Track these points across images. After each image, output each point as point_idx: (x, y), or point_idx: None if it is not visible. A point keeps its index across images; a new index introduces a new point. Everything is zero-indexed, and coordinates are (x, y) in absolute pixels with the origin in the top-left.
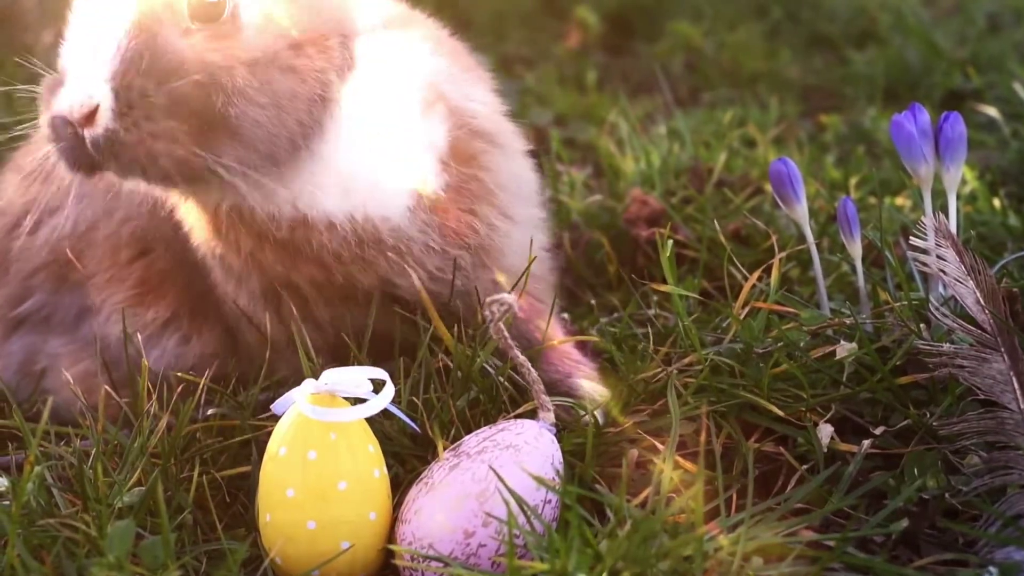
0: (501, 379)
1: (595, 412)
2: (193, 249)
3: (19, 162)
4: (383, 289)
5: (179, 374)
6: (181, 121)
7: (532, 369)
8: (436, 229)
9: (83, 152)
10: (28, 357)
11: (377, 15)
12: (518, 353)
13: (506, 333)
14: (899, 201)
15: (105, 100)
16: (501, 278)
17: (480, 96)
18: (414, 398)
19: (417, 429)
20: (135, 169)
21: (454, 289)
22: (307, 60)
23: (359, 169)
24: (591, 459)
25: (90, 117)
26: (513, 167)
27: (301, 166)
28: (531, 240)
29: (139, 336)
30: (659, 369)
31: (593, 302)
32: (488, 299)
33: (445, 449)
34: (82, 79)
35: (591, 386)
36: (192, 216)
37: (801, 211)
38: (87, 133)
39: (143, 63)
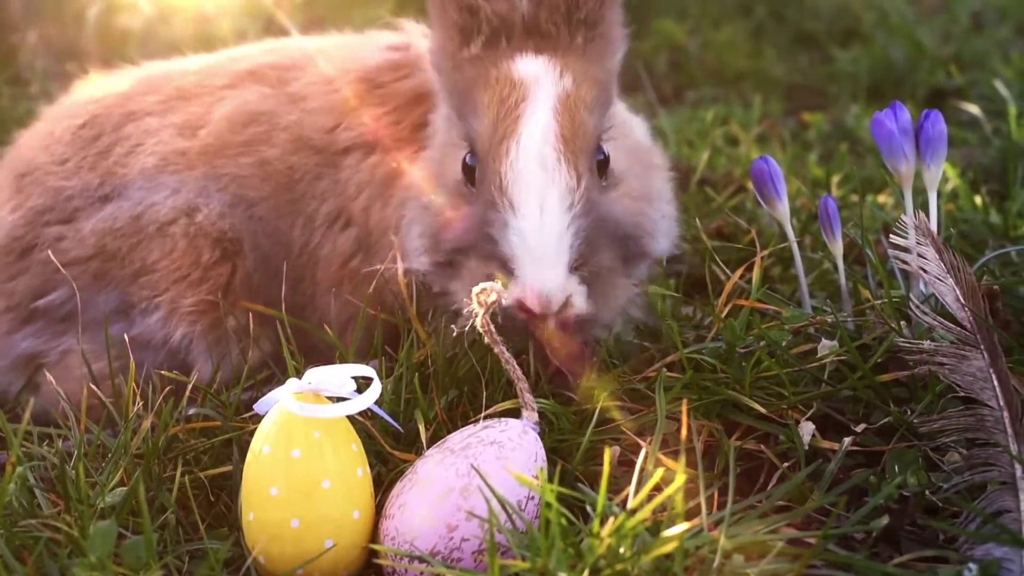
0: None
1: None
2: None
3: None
4: None
5: (164, 373)
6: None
7: (517, 367)
8: None
9: (519, 330)
10: (30, 354)
11: None
12: (504, 349)
13: (492, 327)
14: (881, 199)
15: (578, 293)
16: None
17: None
18: (397, 395)
19: (400, 428)
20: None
21: None
22: None
23: None
24: (578, 459)
25: (564, 307)
26: None
27: None
28: None
29: (202, 342)
30: (644, 367)
31: None
32: (475, 288)
33: (430, 445)
34: (550, 273)
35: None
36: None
37: (783, 209)
38: (554, 317)
39: (594, 238)
